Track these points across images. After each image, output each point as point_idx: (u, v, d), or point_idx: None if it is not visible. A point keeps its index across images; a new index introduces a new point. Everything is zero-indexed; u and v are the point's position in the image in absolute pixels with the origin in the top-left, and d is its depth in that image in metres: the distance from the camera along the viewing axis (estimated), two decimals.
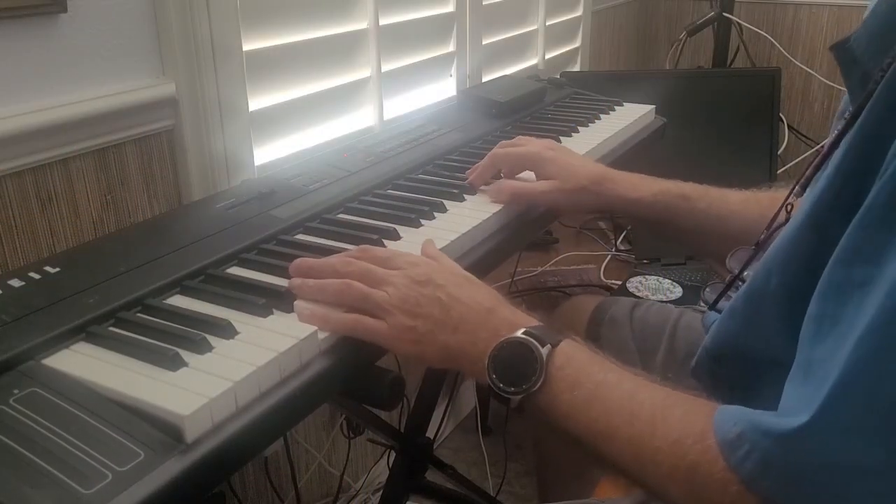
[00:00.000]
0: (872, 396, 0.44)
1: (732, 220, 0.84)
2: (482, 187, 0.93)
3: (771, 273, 0.59)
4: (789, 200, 0.67)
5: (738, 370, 0.67)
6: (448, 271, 0.68)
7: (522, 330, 0.61)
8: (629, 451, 0.55)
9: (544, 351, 0.59)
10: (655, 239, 1.64)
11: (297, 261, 0.69)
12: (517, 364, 0.59)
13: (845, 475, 0.45)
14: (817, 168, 0.60)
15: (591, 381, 0.58)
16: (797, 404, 0.47)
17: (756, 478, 0.48)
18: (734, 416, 0.50)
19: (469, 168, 0.99)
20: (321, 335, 0.61)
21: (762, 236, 0.70)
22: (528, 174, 0.94)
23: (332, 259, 0.69)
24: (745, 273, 0.71)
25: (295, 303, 0.65)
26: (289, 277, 0.68)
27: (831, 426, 0.45)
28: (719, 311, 0.71)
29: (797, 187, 0.64)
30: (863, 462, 0.44)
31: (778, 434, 0.47)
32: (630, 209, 0.90)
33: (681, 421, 0.54)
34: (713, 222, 0.86)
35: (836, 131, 0.56)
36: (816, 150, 2.15)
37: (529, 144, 0.95)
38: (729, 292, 0.75)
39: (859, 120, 0.50)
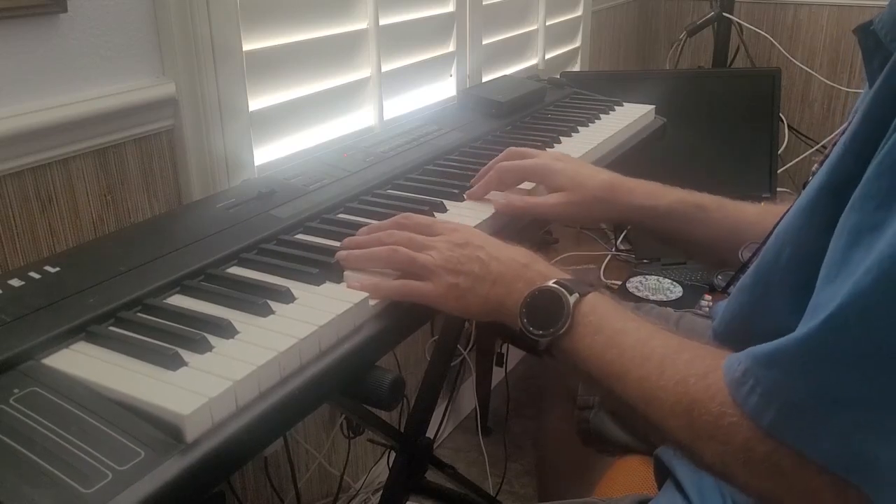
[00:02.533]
0: (865, 330, 0.45)
1: (749, 232, 0.83)
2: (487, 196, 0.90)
3: (783, 244, 0.59)
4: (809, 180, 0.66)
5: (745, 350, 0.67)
6: (484, 235, 0.73)
7: (554, 280, 0.66)
8: (637, 390, 0.59)
9: (572, 299, 0.64)
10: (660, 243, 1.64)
11: (347, 239, 0.75)
12: (547, 309, 0.64)
13: (840, 405, 0.47)
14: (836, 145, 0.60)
15: (612, 327, 0.63)
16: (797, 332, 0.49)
17: (760, 410, 0.50)
18: (740, 356, 0.53)
19: (468, 168, 0.99)
20: (315, 339, 0.61)
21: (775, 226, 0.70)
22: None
23: (377, 233, 0.74)
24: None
25: (345, 273, 0.70)
26: (289, 278, 0.69)
27: (821, 351, 0.47)
28: (729, 295, 0.71)
29: (816, 165, 0.64)
30: (854, 395, 0.46)
31: (772, 352, 0.50)
32: (644, 219, 0.89)
33: (687, 363, 0.57)
34: (728, 233, 0.85)
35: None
36: (818, 149, 2.16)
37: (537, 157, 0.93)
38: (739, 278, 0.75)
39: (877, 85, 0.50)
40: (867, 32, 0.55)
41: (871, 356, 0.45)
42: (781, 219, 0.64)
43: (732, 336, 0.69)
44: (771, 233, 0.68)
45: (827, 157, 0.59)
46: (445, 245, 0.71)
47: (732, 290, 0.73)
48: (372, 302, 0.67)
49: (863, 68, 0.58)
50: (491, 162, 0.93)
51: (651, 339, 0.61)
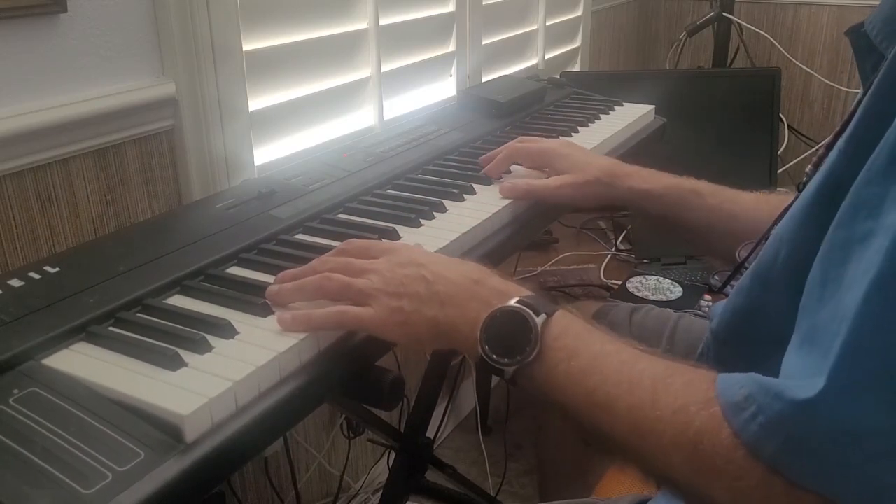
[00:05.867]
0: (885, 354, 0.42)
1: (742, 219, 0.84)
2: (495, 180, 0.96)
3: (781, 245, 0.58)
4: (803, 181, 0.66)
5: (743, 352, 0.66)
6: (428, 253, 0.68)
7: (516, 299, 0.59)
8: (628, 421, 0.53)
9: (539, 320, 0.57)
10: (657, 237, 1.64)
11: (281, 273, 0.68)
12: (511, 334, 0.57)
13: (855, 440, 0.44)
14: (830, 147, 0.60)
15: (589, 350, 0.56)
16: (805, 370, 0.46)
17: (761, 441, 0.46)
18: (740, 380, 0.49)
19: (468, 168, 0.99)
20: (314, 339, 0.60)
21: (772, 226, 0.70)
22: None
23: (313, 262, 0.68)
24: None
25: (276, 313, 0.62)
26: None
27: (845, 389, 0.43)
28: (727, 296, 0.71)
29: (810, 167, 0.64)
30: (873, 425, 0.43)
31: (791, 400, 0.45)
32: (640, 201, 0.91)
33: (684, 388, 0.52)
34: (724, 219, 0.86)
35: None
36: (820, 147, 2.15)
37: (546, 142, 0.99)
38: (736, 278, 0.75)
39: (871, 89, 0.49)
40: (859, 34, 0.54)
41: (891, 379, 0.42)
42: (779, 219, 0.64)
43: (731, 337, 0.68)
44: (768, 232, 0.68)
45: (821, 158, 0.59)
46: (386, 266, 0.64)
47: (730, 290, 0.73)
48: (302, 335, 0.60)
49: None
50: (503, 146, 0.98)
51: (637, 361, 0.55)
